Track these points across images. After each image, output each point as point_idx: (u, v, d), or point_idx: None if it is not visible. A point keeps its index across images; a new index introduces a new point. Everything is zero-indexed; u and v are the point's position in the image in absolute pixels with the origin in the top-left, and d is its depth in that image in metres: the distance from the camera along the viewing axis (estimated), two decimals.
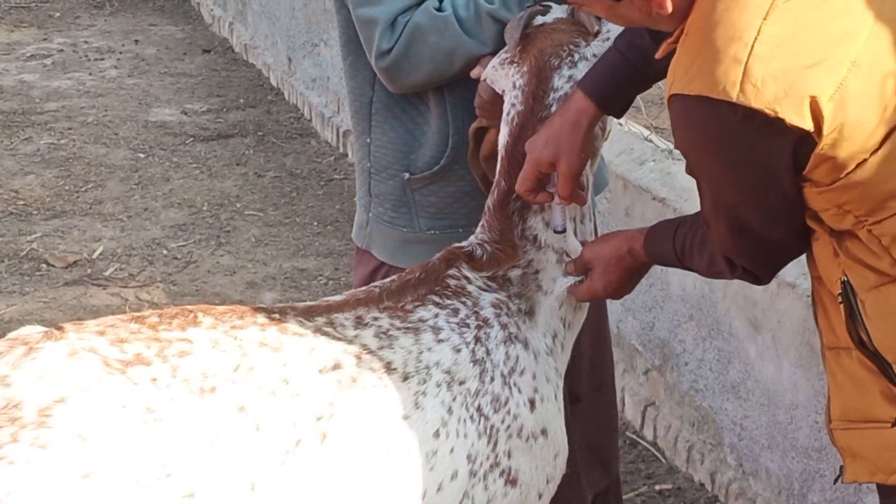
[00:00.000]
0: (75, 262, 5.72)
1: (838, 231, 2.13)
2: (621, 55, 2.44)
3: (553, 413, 2.50)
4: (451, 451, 2.36)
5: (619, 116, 2.55)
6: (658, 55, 2.18)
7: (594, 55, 2.50)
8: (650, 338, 4.26)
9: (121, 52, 9.14)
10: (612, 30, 2.51)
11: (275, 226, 6.14)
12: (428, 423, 2.35)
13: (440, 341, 2.42)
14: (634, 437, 4.29)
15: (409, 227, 2.85)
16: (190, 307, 2.34)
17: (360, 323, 2.41)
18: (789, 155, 2.02)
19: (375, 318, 2.42)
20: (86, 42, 9.42)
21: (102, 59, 9.00)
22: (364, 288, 2.51)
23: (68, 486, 2.06)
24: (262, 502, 2.21)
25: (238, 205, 6.38)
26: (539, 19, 2.54)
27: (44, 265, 5.68)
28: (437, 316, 2.45)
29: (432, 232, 2.81)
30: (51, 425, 2.08)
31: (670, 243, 2.42)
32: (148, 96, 8.16)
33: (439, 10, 2.64)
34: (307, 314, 2.39)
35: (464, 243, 2.57)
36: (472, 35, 2.60)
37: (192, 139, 7.34)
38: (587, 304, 2.63)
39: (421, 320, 2.43)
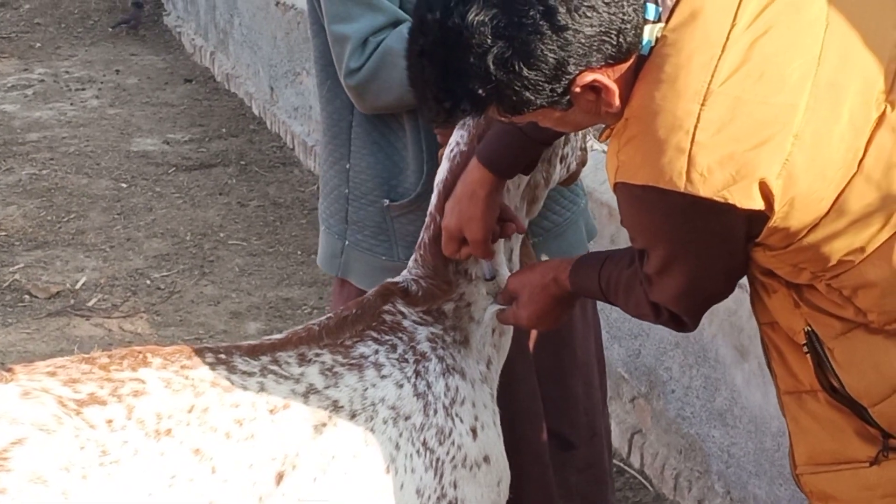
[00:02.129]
0: (58, 292, 5.70)
1: (796, 284, 2.13)
2: (511, 122, 2.45)
3: (493, 439, 2.53)
4: (402, 487, 2.39)
5: (526, 174, 2.57)
6: (601, 139, 2.19)
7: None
8: (636, 365, 4.26)
9: (102, 82, 9.13)
10: None
11: (258, 255, 6.12)
12: (378, 460, 2.38)
13: (383, 377, 2.45)
14: (621, 464, 4.28)
15: (388, 256, 2.84)
16: (138, 349, 2.35)
17: (303, 360, 2.43)
18: (742, 229, 2.04)
19: (318, 355, 2.44)
20: (67, 72, 9.41)
21: (84, 90, 8.99)
22: (303, 326, 2.54)
23: None
24: None
25: (221, 234, 6.37)
26: None
27: (26, 296, 5.66)
28: (377, 352, 2.47)
29: None
30: (9, 468, 2.07)
31: (595, 278, 2.41)
32: (129, 126, 8.15)
33: None
34: (252, 353, 2.41)
35: (398, 278, 2.60)
36: None
37: (174, 169, 7.33)
38: (511, 328, 2.66)
39: (362, 356, 2.46)
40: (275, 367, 2.40)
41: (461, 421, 2.48)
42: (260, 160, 7.48)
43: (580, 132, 2.65)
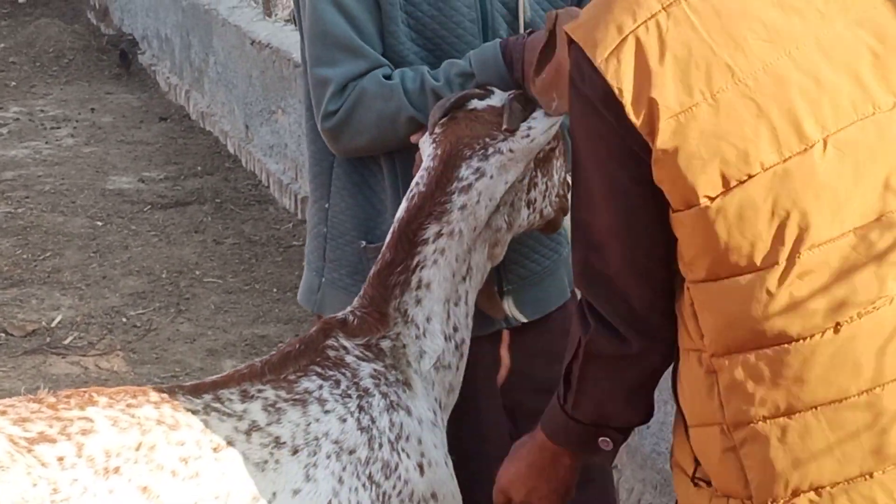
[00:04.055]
0: (34, 330, 5.70)
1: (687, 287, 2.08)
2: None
3: (443, 478, 2.53)
4: None
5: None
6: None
7: (510, 150, 2.52)
8: None
9: (77, 121, 9.14)
10: (535, 128, 2.53)
11: (234, 293, 6.14)
12: (320, 494, 2.39)
13: (327, 412, 2.45)
14: None
15: None
16: (83, 389, 2.38)
17: (246, 396, 2.44)
18: (625, 143, 1.97)
19: (260, 391, 2.45)
20: (42, 111, 9.42)
21: (59, 128, 9.00)
22: (246, 364, 2.55)
23: None
24: None
25: (197, 272, 6.39)
26: (472, 103, 2.57)
27: (2, 334, 5.66)
28: (321, 387, 2.48)
29: None
30: None
31: (555, 398, 2.28)
32: (105, 164, 8.16)
33: (389, 79, 2.69)
34: (194, 392, 2.44)
35: (339, 314, 2.60)
36: (416, 107, 2.64)
37: (149, 207, 7.34)
38: (458, 386, 2.64)
39: (307, 391, 2.47)
40: (217, 405, 2.41)
41: (407, 456, 2.48)
42: (235, 198, 7.50)
43: (556, 178, 2.66)
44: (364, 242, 2.85)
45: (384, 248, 2.60)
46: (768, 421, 1.99)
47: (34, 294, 6.11)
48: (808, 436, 1.97)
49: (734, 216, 1.94)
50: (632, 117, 1.94)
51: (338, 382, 2.49)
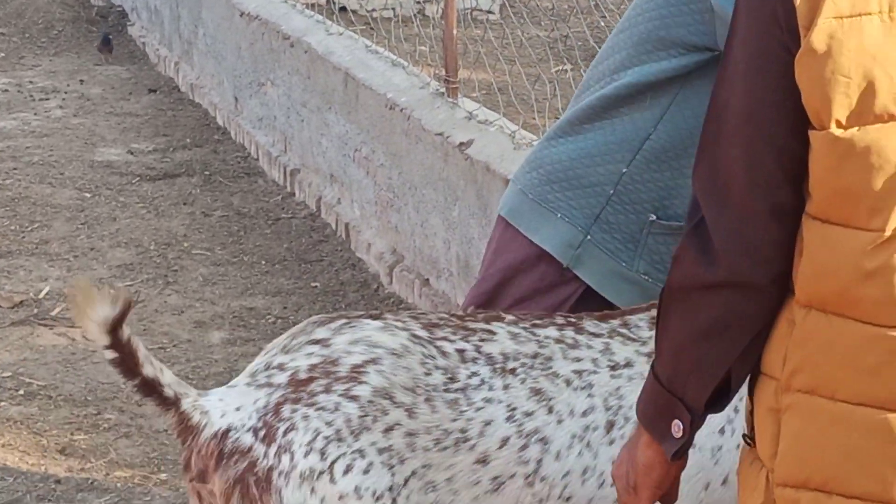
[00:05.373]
0: (21, 301, 5.69)
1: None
2: None
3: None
4: (738, 447, 2.33)
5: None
6: None
7: None
8: None
9: (66, 92, 9.12)
10: None
11: (222, 265, 6.13)
12: (714, 419, 2.34)
13: None
14: None
15: (627, 264, 2.89)
16: (494, 312, 2.60)
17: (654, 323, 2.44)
18: (781, 23, 1.76)
19: None
20: (31, 82, 9.39)
21: (47, 99, 8.97)
22: None
23: (370, 438, 2.33)
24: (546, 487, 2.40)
25: (185, 244, 6.38)
26: None
27: None
28: None
29: (646, 277, 2.87)
30: (362, 380, 2.35)
31: (650, 377, 2.01)
32: (94, 136, 8.14)
33: None
34: (602, 318, 2.56)
35: None
36: None
37: (138, 179, 7.33)
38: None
39: None
40: (623, 330, 2.50)
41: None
42: (224, 170, 7.48)
43: None
44: (654, 216, 2.84)
45: None
46: (816, 397, 1.79)
47: (22, 265, 6.10)
48: (845, 431, 1.77)
49: (859, 157, 1.70)
50: (796, 0, 1.72)
51: None
